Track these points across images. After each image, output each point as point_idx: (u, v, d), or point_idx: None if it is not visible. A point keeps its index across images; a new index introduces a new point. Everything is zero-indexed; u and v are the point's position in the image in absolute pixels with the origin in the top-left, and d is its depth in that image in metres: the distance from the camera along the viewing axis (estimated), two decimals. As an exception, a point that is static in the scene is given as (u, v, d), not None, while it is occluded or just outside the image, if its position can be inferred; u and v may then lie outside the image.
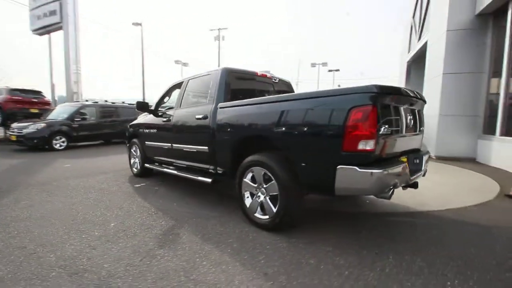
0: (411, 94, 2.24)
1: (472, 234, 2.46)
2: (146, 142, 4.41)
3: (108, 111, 10.62)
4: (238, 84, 3.34)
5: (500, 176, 4.82)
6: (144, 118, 4.70)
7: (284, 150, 2.28)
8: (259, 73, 3.60)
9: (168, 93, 4.37)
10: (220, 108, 2.96)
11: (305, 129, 2.08)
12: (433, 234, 2.44)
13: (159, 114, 4.21)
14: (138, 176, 4.75)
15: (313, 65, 31.38)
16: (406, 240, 2.31)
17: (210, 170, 3.18)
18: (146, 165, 4.47)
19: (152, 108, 4.30)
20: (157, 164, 4.35)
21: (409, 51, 11.74)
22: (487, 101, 6.35)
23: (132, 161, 4.98)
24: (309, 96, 2.12)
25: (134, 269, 1.83)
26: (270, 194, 2.42)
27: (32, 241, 2.22)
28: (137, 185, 4.18)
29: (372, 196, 3.10)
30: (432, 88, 7.42)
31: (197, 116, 3.21)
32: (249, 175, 2.60)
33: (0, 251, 2.06)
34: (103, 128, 10.28)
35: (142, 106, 4.25)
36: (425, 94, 5.60)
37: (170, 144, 3.77)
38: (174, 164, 3.89)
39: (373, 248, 2.13)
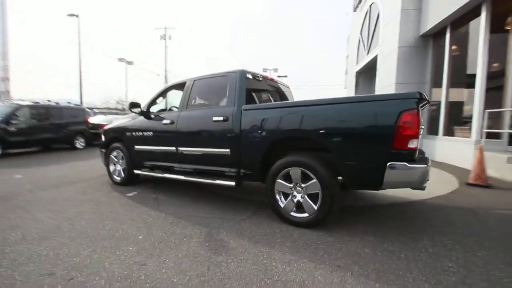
0: (428, 99, 2.64)
1: (464, 214, 2.99)
2: (136, 147, 4.02)
3: (50, 113, 9.19)
4: (250, 86, 3.35)
5: (450, 169, 5.85)
6: (128, 120, 4.27)
7: (330, 150, 2.41)
8: (268, 77, 3.68)
9: (162, 94, 4.08)
10: (245, 110, 2.93)
11: (355, 130, 2.26)
12: (439, 218, 2.89)
13: (152, 116, 3.91)
14: (122, 184, 4.28)
15: (265, 70, 32.51)
16: (426, 224, 2.69)
17: (231, 173, 3.10)
18: (136, 171, 4.06)
19: (143, 110, 3.95)
20: (147, 169, 4.01)
21: (357, 63, 13.25)
22: (429, 107, 7.65)
23: (112, 168, 4.45)
24: (360, 100, 2.31)
25: (209, 279, 1.71)
26: (309, 192, 2.52)
27: (57, 266, 1.86)
28: (129, 194, 3.78)
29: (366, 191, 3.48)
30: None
31: (215, 119, 3.10)
32: (284, 176, 2.66)
33: (23, 283, 1.68)
34: (44, 132, 8.83)
35: (136, 107, 3.87)
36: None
37: (174, 148, 3.52)
38: (176, 168, 3.65)
39: (406, 234, 2.43)
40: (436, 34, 7.24)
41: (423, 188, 2.25)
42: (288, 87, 4.30)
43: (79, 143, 9.98)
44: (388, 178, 2.16)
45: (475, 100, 5.64)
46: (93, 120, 11.36)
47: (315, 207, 2.47)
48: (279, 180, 2.68)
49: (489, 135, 5.28)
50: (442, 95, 6.83)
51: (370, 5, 11.02)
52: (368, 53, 11.23)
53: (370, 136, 2.21)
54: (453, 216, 2.96)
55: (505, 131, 5.29)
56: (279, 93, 3.92)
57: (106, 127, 4.71)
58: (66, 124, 9.47)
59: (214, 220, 2.78)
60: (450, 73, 6.67)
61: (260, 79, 3.53)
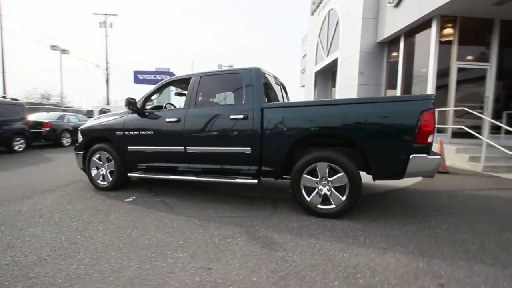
0: None
1: (444, 197, 3.58)
2: (130, 147, 3.67)
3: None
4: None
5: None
6: (117, 118, 3.86)
7: (358, 146, 2.63)
8: (274, 75, 3.77)
9: (159, 90, 3.81)
10: (267, 108, 2.98)
11: (383, 127, 2.53)
12: (429, 200, 3.41)
13: (146, 114, 3.64)
14: (108, 189, 3.86)
15: (220, 66, 32.11)
16: (424, 206, 3.16)
17: (250, 171, 3.12)
18: (131, 174, 3.72)
19: (137, 106, 3.64)
20: (142, 172, 3.71)
21: (316, 63, 14.16)
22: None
23: (94, 172, 3.97)
24: (386, 100, 2.59)
25: (287, 273, 1.76)
26: (335, 185, 2.73)
27: (112, 283, 1.66)
28: (128, 200, 3.45)
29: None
30: (347, 96, 9.41)
31: (233, 116, 3.06)
32: (309, 171, 2.80)
33: (85, 304, 1.47)
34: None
35: (133, 104, 3.54)
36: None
37: (181, 148, 3.35)
38: (182, 169, 3.47)
39: (416, 216, 2.83)
40: (391, 42, 8.27)
41: (433, 176, 2.65)
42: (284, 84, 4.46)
43: (18, 145, 8.44)
44: (410, 169, 2.49)
45: (428, 90, 6.66)
46: (33, 117, 9.71)
47: (343, 199, 2.69)
48: (305, 175, 2.82)
49: (437, 130, 6.33)
50: (397, 94, 7.87)
51: (329, 11, 11.89)
52: (327, 55, 12.12)
53: (396, 132, 2.51)
54: (438, 198, 3.53)
55: (449, 126, 6.42)
56: (284, 91, 4.04)
57: (85, 126, 4.16)
58: (1, 123, 7.89)
59: (242, 219, 2.77)
60: (404, 76, 7.73)
61: (271, 75, 3.60)
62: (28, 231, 2.45)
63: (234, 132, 3.10)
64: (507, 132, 5.53)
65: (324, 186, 2.78)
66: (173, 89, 5.06)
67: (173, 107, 4.28)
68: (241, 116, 3.03)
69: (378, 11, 8.37)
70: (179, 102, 4.44)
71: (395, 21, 7.54)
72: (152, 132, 3.52)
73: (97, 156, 3.94)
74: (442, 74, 6.66)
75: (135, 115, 3.69)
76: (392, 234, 2.39)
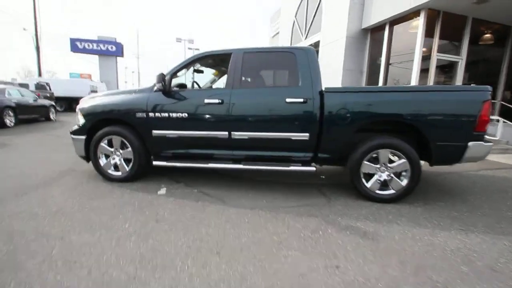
0: None
1: (462, 179, 4.04)
2: (156, 132, 3.17)
3: None
4: None
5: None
6: (134, 96, 3.26)
7: (422, 132, 2.71)
8: None
9: (188, 66, 3.31)
10: (328, 92, 2.84)
11: (446, 115, 2.64)
12: (459, 184, 3.79)
13: (175, 93, 3.17)
14: (125, 180, 3.34)
15: (178, 40, 29.55)
16: (459, 190, 3.48)
17: (304, 158, 3.00)
18: (158, 163, 3.24)
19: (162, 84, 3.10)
20: (172, 159, 3.28)
21: (292, 45, 14.06)
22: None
23: (103, 160, 3.37)
24: (450, 89, 2.69)
25: (437, 267, 1.77)
26: (396, 171, 2.81)
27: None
28: (160, 192, 3.03)
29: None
30: (329, 80, 9.65)
31: (289, 100, 2.85)
32: (370, 158, 2.82)
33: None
34: None
35: (163, 80, 3.00)
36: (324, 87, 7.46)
37: (225, 133, 3.02)
38: (220, 156, 3.17)
39: (469, 198, 3.12)
40: (374, 29, 8.62)
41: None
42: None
43: None
44: (467, 154, 2.69)
45: (412, 81, 7.24)
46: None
47: (403, 184, 2.80)
48: (365, 162, 2.84)
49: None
50: (379, 80, 8.38)
51: (309, -8, 11.73)
52: (306, 38, 12.12)
53: (460, 120, 2.65)
54: (461, 181, 3.88)
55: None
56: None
57: (87, 106, 3.41)
58: None
59: (306, 208, 2.69)
60: (386, 63, 8.22)
61: None
62: (73, 239, 1.96)
63: (290, 117, 2.90)
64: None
65: (383, 172, 2.85)
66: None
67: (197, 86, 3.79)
68: (300, 100, 2.84)
69: (365, -3, 8.58)
70: (199, 80, 3.95)
71: (382, 9, 7.84)
72: (186, 114, 3.07)
73: (105, 142, 3.32)
74: (423, 64, 7.28)
75: (160, 93, 3.16)
76: (463, 216, 2.57)
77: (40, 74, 21.58)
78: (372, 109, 2.77)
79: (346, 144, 2.89)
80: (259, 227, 2.23)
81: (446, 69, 7.71)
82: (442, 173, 4.24)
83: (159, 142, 3.21)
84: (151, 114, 3.15)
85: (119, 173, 3.36)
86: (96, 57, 26.36)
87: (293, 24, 13.62)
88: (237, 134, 3.01)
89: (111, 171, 3.37)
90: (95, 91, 16.45)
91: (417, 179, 2.76)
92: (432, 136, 2.71)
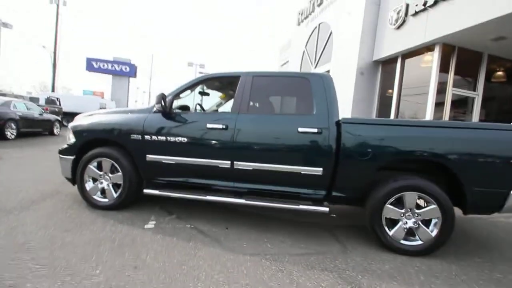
0: None
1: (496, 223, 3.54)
2: (150, 156, 2.85)
3: None
4: None
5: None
6: (129, 116, 2.99)
7: (456, 175, 2.32)
8: None
9: (192, 87, 3.07)
10: (346, 123, 2.51)
11: (486, 156, 2.27)
12: (474, 233, 3.31)
13: (176, 115, 2.89)
14: (111, 208, 2.96)
15: (190, 64, 30.45)
16: (489, 245, 3.01)
17: (315, 195, 2.61)
18: (149, 191, 2.88)
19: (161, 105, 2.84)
20: (166, 188, 2.92)
21: (300, 73, 14.14)
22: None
23: (90, 185, 3.02)
24: (489, 128, 2.33)
25: None
26: (424, 219, 2.38)
27: None
28: (147, 226, 2.64)
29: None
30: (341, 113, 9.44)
31: (302, 130, 2.53)
32: (393, 201, 2.42)
33: None
34: None
35: (163, 101, 2.74)
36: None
37: (227, 162, 2.68)
38: (220, 188, 2.81)
39: (493, 249, 2.64)
40: (386, 61, 8.54)
41: None
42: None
43: None
44: (510, 203, 2.27)
45: (427, 115, 6.93)
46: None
47: (432, 234, 2.35)
48: (388, 205, 2.42)
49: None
50: (391, 112, 8.11)
51: (319, 24, 11.99)
52: (316, 67, 12.17)
53: (501, 163, 2.27)
54: (493, 229, 3.42)
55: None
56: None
57: (79, 124, 3.15)
58: None
59: (317, 257, 2.24)
60: (398, 95, 8.00)
61: None
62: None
63: (301, 148, 2.56)
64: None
65: (409, 219, 2.42)
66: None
67: (200, 109, 3.53)
68: (314, 130, 2.51)
69: (376, 30, 8.61)
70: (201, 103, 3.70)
71: (394, 43, 7.79)
72: (186, 139, 2.77)
73: (93, 164, 2.99)
74: (438, 98, 7.02)
75: (159, 115, 2.89)
76: (498, 278, 2.11)
77: (53, 89, 22.18)
78: (398, 145, 2.42)
79: (366, 183, 2.51)
80: (260, 284, 1.79)
81: (461, 104, 7.42)
82: (471, 218, 3.75)
83: (153, 167, 2.88)
84: (147, 137, 2.85)
85: (105, 200, 3.00)
86: (110, 76, 27.22)
87: (303, 54, 13.82)
88: (240, 164, 2.66)
89: (97, 197, 3.01)
90: (104, 108, 16.60)
91: (450, 230, 2.32)
92: (468, 180, 2.31)
